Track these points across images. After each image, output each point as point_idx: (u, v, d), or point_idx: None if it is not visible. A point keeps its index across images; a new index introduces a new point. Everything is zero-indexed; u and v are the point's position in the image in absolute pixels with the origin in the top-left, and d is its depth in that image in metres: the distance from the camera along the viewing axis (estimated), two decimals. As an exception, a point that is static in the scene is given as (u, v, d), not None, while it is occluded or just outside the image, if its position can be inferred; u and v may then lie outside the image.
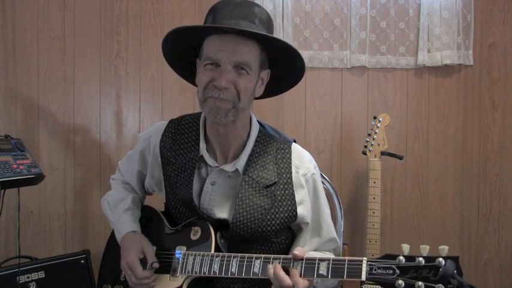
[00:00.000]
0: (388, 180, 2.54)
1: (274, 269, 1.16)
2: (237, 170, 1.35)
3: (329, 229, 1.43)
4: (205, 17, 1.32)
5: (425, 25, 2.47)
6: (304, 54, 2.51)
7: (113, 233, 1.52)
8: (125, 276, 1.42)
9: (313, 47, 2.52)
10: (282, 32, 2.45)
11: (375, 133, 2.29)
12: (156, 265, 1.36)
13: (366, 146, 2.30)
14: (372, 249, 2.21)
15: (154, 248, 1.41)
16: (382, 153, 2.28)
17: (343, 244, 2.16)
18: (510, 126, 2.55)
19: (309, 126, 2.55)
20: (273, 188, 1.33)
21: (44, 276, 2.01)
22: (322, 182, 1.84)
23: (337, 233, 1.92)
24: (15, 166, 1.85)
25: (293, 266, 1.15)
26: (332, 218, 1.86)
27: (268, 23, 1.31)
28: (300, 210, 1.36)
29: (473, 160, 2.57)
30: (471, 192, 2.57)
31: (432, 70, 2.54)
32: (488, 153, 2.56)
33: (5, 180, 1.78)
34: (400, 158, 2.31)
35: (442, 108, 2.56)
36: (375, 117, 2.32)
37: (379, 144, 2.28)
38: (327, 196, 1.87)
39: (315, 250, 1.41)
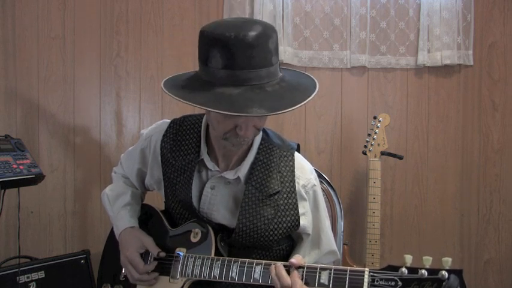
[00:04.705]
0: (388, 180, 2.54)
1: (277, 268, 1.16)
2: (238, 177, 1.34)
3: (329, 242, 1.43)
4: (209, 46, 1.15)
5: (425, 25, 2.47)
6: (304, 54, 2.51)
7: (112, 233, 1.52)
8: (124, 276, 1.43)
9: (313, 47, 2.52)
10: (282, 32, 2.45)
11: (375, 133, 2.29)
12: (163, 254, 1.36)
13: (366, 146, 2.30)
14: (371, 249, 2.21)
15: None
16: (382, 153, 2.28)
17: (343, 244, 2.16)
18: (510, 126, 2.55)
19: (309, 126, 2.55)
20: (276, 197, 1.33)
21: (44, 276, 2.01)
22: (322, 182, 1.84)
23: (337, 233, 1.93)
24: (15, 166, 1.85)
25: (295, 270, 1.16)
26: (332, 218, 1.87)
27: (277, 45, 1.23)
28: (302, 221, 1.36)
29: (473, 160, 2.57)
30: (471, 192, 2.57)
31: (432, 70, 2.54)
32: (488, 153, 2.56)
33: (5, 180, 1.78)
34: (400, 158, 2.31)
35: (442, 108, 2.56)
36: (375, 117, 2.32)
37: (379, 144, 2.28)
38: (326, 196, 1.88)
39: (315, 263, 1.40)
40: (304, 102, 1.17)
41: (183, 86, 1.21)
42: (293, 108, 1.14)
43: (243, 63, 1.12)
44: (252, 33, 1.11)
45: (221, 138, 1.25)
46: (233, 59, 1.12)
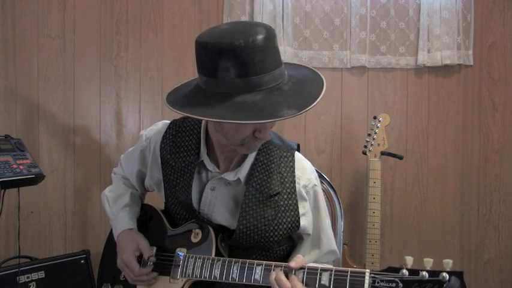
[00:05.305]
0: (388, 180, 2.54)
1: (276, 274, 1.16)
2: (238, 179, 1.34)
3: (329, 241, 1.43)
4: (217, 57, 1.12)
5: (425, 25, 2.47)
6: (304, 54, 2.51)
7: (111, 233, 1.52)
8: (124, 276, 1.42)
9: (313, 47, 2.52)
10: (282, 32, 2.45)
11: (375, 133, 2.29)
12: (153, 259, 1.36)
13: (366, 146, 2.30)
14: (371, 249, 2.21)
15: (154, 248, 1.41)
16: (382, 153, 2.28)
17: (343, 244, 2.16)
18: (510, 126, 2.55)
19: (309, 126, 2.55)
20: (276, 198, 1.32)
21: (44, 276, 2.01)
22: (322, 182, 1.84)
23: (337, 233, 1.93)
24: (15, 166, 1.84)
25: (294, 273, 1.16)
26: (332, 218, 1.86)
27: None
28: (302, 221, 1.36)
29: (473, 160, 2.57)
30: (471, 192, 2.57)
31: (432, 70, 2.54)
32: (488, 153, 2.56)
33: (5, 180, 1.78)
34: (400, 158, 2.31)
35: (442, 108, 2.56)
36: (375, 117, 2.32)
37: (379, 144, 2.28)
38: (326, 196, 1.88)
39: (315, 262, 1.40)
40: (324, 90, 1.18)
41: (195, 103, 1.18)
42: (318, 100, 1.15)
43: (258, 69, 1.11)
44: (260, 37, 1.11)
45: (236, 146, 1.24)
46: (247, 66, 1.10)
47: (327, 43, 2.52)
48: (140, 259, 1.39)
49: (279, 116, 1.11)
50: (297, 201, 1.34)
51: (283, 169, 1.35)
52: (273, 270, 1.19)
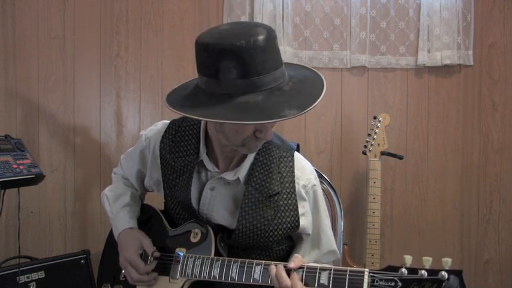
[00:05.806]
0: (388, 180, 2.54)
1: (277, 269, 1.16)
2: (238, 178, 1.34)
3: (329, 241, 1.43)
4: (218, 58, 1.11)
5: (425, 25, 2.47)
6: (304, 54, 2.51)
7: (111, 233, 1.52)
8: (124, 276, 1.43)
9: (313, 47, 2.52)
10: (282, 32, 2.45)
11: (375, 133, 2.29)
12: (157, 254, 1.36)
13: (366, 146, 2.30)
14: (371, 249, 2.21)
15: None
16: (382, 153, 2.28)
17: (343, 244, 2.16)
18: (510, 126, 2.55)
19: (309, 126, 2.55)
20: (275, 198, 1.32)
21: (44, 276, 2.01)
22: (322, 182, 1.83)
23: (337, 233, 1.93)
24: (15, 166, 1.85)
25: (294, 271, 1.16)
26: (332, 218, 1.86)
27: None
28: (302, 221, 1.36)
29: (473, 160, 2.57)
30: (471, 192, 2.57)
31: (432, 70, 2.54)
32: (488, 153, 2.56)
33: (5, 180, 1.78)
34: (400, 158, 2.31)
35: (442, 108, 2.56)
36: (375, 117, 2.32)
37: (379, 144, 2.28)
38: (326, 196, 1.88)
39: (315, 262, 1.40)
40: (324, 90, 1.18)
41: (196, 103, 1.18)
42: (319, 100, 1.14)
43: (259, 69, 1.11)
44: (261, 37, 1.10)
45: (237, 146, 1.24)
46: (248, 67, 1.10)
47: (327, 43, 2.52)
48: (142, 257, 1.39)
49: (280, 117, 1.11)
50: (296, 201, 1.34)
51: (283, 169, 1.35)
52: None
